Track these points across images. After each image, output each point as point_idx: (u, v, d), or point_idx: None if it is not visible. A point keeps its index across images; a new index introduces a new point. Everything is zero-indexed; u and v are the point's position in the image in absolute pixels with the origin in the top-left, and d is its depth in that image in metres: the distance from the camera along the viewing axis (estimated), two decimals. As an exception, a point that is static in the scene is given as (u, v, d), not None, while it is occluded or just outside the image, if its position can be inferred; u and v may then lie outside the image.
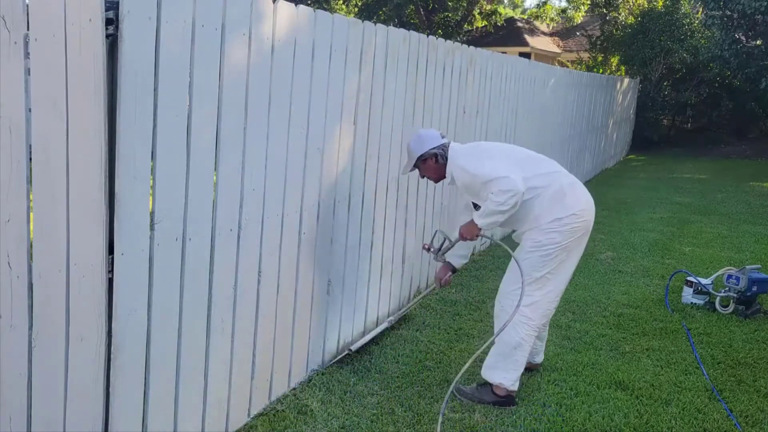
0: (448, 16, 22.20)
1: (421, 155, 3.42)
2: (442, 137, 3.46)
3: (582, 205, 3.31)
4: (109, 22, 2.10)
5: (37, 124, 2.19)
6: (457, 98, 5.18)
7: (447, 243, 3.57)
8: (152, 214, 2.37)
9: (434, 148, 3.40)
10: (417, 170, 3.55)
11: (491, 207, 3.12)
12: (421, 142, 3.43)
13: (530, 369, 3.63)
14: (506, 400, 3.28)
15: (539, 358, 3.67)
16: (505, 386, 3.26)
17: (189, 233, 2.54)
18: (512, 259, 3.28)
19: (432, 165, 3.42)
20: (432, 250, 3.63)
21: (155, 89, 2.29)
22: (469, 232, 3.33)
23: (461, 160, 3.32)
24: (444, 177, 3.44)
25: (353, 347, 3.75)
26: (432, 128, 3.85)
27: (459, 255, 3.64)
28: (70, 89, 2.14)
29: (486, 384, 3.35)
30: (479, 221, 3.22)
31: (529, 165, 3.33)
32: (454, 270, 3.66)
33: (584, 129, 10.79)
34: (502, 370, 3.27)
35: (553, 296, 3.31)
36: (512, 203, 3.09)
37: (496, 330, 3.33)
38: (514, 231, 3.48)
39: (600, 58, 20.79)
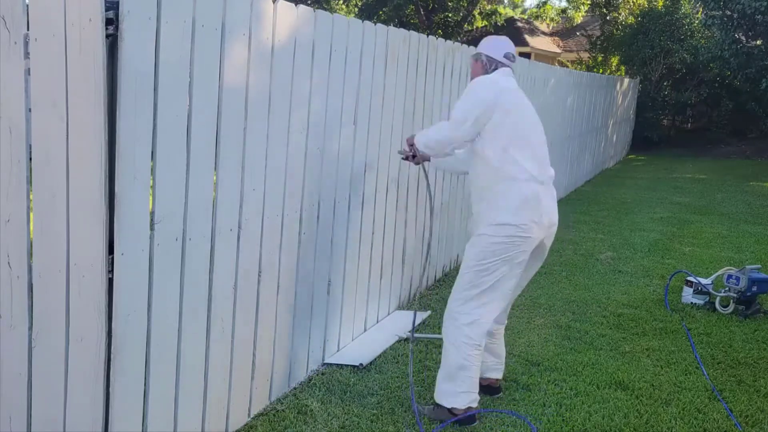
0: (448, 16, 22.20)
1: (477, 53, 3.34)
2: (506, 57, 3.28)
3: (537, 219, 3.03)
4: (109, 22, 2.09)
5: (37, 125, 2.19)
6: (457, 98, 5.17)
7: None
8: (152, 214, 2.37)
9: (486, 55, 3.28)
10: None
11: (424, 132, 3.34)
12: (486, 44, 3.35)
13: (491, 387, 3.37)
14: (466, 419, 3.10)
15: (497, 374, 3.41)
16: (459, 409, 3.09)
17: (189, 233, 2.54)
18: (463, 264, 3.16)
19: (477, 68, 3.32)
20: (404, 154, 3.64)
21: (155, 89, 2.29)
22: (407, 140, 3.49)
23: (472, 83, 3.20)
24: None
25: (364, 361, 3.66)
26: (509, 44, 3.41)
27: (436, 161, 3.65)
28: (70, 89, 2.14)
29: (440, 405, 3.16)
30: (417, 135, 3.38)
31: (527, 148, 3.10)
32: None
33: (584, 129, 10.79)
34: (451, 395, 3.10)
35: (494, 313, 3.12)
36: (435, 141, 3.22)
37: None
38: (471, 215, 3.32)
39: (600, 58, 20.80)
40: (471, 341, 3.06)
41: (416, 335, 4.10)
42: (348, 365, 3.65)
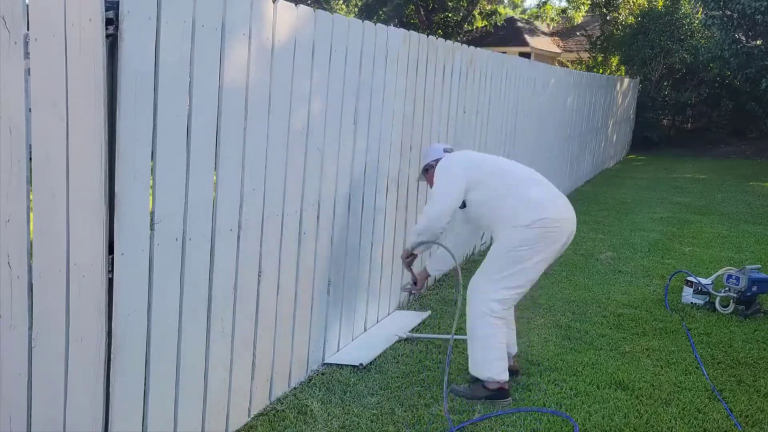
0: (448, 16, 22.21)
1: (424, 166, 3.80)
2: (446, 150, 3.72)
3: (561, 213, 3.34)
4: (109, 22, 2.09)
5: (37, 124, 2.19)
6: (457, 98, 5.18)
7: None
8: (152, 214, 2.37)
9: (434, 160, 3.68)
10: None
11: (412, 228, 3.58)
12: (425, 155, 3.82)
13: (511, 370, 3.47)
14: (499, 393, 3.31)
15: (513, 350, 3.62)
16: (494, 378, 3.30)
17: (189, 233, 2.54)
18: (488, 256, 3.43)
19: (431, 175, 3.63)
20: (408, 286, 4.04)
21: (155, 89, 2.29)
22: (402, 256, 3.81)
23: (438, 168, 3.54)
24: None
25: (364, 361, 3.67)
26: (441, 143, 4.21)
27: (435, 268, 3.95)
28: (70, 89, 2.14)
29: (477, 380, 3.38)
30: (408, 239, 3.61)
31: (507, 173, 3.50)
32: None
33: (584, 129, 10.79)
34: (485, 363, 3.33)
35: (520, 294, 3.39)
36: (424, 226, 3.43)
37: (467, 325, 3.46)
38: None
39: (600, 58, 20.80)
40: (495, 314, 3.31)
41: (415, 335, 4.11)
42: (348, 365, 3.65)
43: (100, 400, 2.31)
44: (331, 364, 3.68)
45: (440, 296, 4.92)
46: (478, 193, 3.41)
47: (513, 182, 3.41)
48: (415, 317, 4.43)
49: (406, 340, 4.05)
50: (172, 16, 2.31)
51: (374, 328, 4.24)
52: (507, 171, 3.52)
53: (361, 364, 3.63)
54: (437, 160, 3.61)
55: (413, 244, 3.57)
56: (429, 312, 4.57)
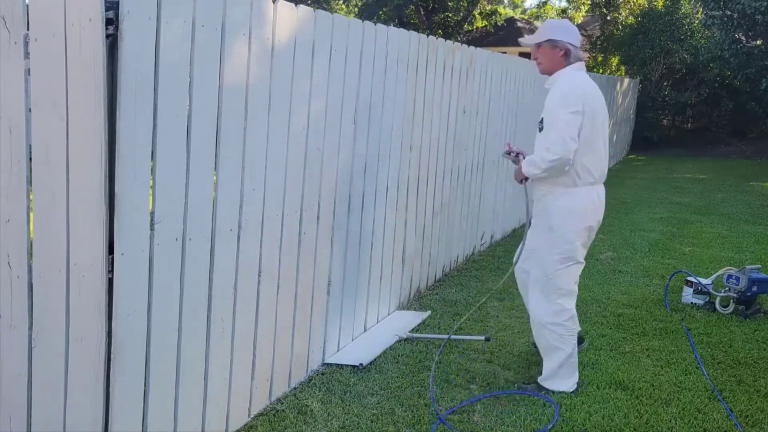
0: (448, 16, 22.20)
1: (552, 39, 3.30)
2: (578, 48, 3.36)
3: (593, 218, 3.40)
4: (109, 22, 2.09)
5: (37, 124, 2.19)
6: (457, 98, 5.18)
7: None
8: (152, 214, 2.37)
9: (570, 43, 3.29)
10: (531, 51, 3.43)
11: (536, 160, 3.26)
12: (561, 29, 3.33)
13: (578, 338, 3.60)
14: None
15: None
16: (567, 391, 3.41)
17: (189, 233, 2.54)
18: (538, 270, 3.40)
19: (557, 56, 3.31)
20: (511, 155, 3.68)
21: (155, 89, 2.29)
22: (516, 176, 3.51)
23: (565, 83, 3.24)
24: (550, 74, 3.37)
25: (364, 361, 3.68)
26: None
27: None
28: (70, 89, 2.14)
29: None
30: (524, 168, 3.36)
31: (593, 153, 3.29)
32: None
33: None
34: (560, 379, 3.42)
35: (574, 298, 3.46)
36: (551, 166, 3.19)
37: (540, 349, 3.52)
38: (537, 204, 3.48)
39: (600, 58, 20.79)
40: (569, 331, 3.38)
41: (415, 335, 4.11)
42: (348, 365, 3.65)
43: (100, 400, 2.31)
44: (331, 364, 3.68)
45: (440, 296, 4.92)
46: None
47: (589, 163, 3.25)
48: (415, 317, 4.44)
49: (406, 340, 4.05)
50: (172, 16, 2.31)
51: (374, 328, 4.24)
52: (595, 146, 3.28)
53: (361, 364, 3.63)
54: (574, 48, 3.28)
55: (534, 174, 3.31)
56: (429, 312, 4.57)
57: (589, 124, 3.21)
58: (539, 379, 3.46)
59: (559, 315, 3.35)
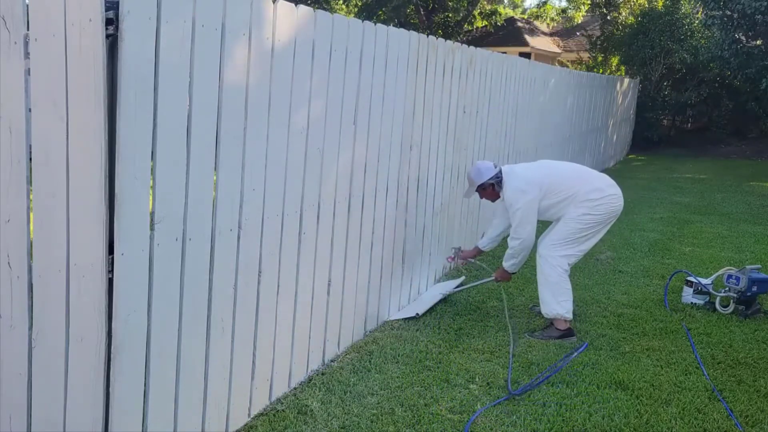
0: (448, 16, 22.20)
1: (481, 184, 4.34)
2: (495, 166, 4.34)
3: (616, 195, 4.25)
4: (109, 22, 2.10)
5: (37, 124, 2.19)
6: (457, 98, 5.18)
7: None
8: (152, 214, 2.37)
9: (491, 178, 4.30)
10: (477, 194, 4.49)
11: (508, 252, 4.34)
12: (480, 174, 4.33)
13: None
14: (568, 332, 4.18)
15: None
16: (564, 316, 4.15)
17: (189, 233, 2.54)
18: (556, 222, 4.28)
19: (490, 191, 4.37)
20: (456, 256, 4.95)
21: (155, 89, 2.29)
22: (501, 276, 4.52)
23: (510, 187, 4.24)
24: (499, 197, 4.38)
25: (419, 311, 4.44)
26: (486, 160, 4.90)
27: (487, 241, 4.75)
28: (70, 89, 2.14)
29: (549, 325, 4.25)
30: (505, 264, 4.41)
31: (574, 177, 4.32)
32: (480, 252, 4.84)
33: (584, 129, 10.80)
34: (555, 304, 4.17)
35: (582, 254, 4.29)
36: (519, 249, 4.24)
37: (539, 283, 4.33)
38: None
39: (600, 58, 20.80)
40: (563, 266, 4.20)
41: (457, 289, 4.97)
42: (344, 361, 3.65)
43: (100, 400, 2.31)
44: (331, 364, 3.68)
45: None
46: (548, 200, 4.19)
47: (577, 182, 4.23)
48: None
49: (399, 332, 4.05)
50: (172, 16, 2.31)
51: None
52: (573, 175, 4.33)
53: (417, 314, 4.19)
54: (497, 178, 4.28)
55: (513, 264, 4.36)
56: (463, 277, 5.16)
57: (547, 182, 4.24)
58: (542, 310, 4.26)
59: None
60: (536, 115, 7.73)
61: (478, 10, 22.74)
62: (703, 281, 4.93)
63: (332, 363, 3.70)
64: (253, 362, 3.06)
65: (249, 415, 3.08)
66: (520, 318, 4.56)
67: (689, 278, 5.00)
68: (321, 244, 3.50)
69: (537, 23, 26.15)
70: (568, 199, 4.17)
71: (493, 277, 4.60)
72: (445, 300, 4.86)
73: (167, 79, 2.32)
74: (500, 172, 4.30)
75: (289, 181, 3.12)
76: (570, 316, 4.18)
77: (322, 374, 3.56)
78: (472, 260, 5.07)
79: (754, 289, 4.65)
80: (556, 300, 4.16)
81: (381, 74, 3.87)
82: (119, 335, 2.29)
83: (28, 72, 2.18)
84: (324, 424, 3.05)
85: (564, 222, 4.20)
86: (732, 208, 9.14)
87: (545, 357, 3.89)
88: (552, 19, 25.58)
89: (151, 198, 2.35)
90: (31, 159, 2.21)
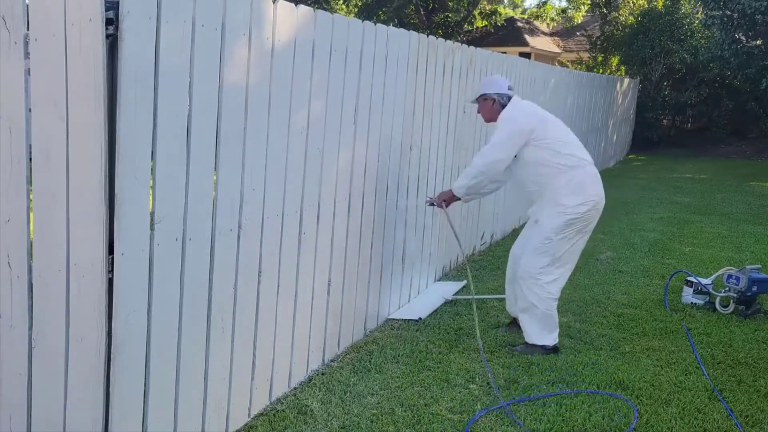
0: (448, 16, 22.21)
1: (483, 94, 4.00)
2: (509, 88, 3.99)
3: (598, 196, 3.89)
4: (109, 22, 2.10)
5: (37, 124, 2.19)
6: (457, 98, 5.18)
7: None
8: (152, 214, 2.37)
9: (496, 93, 3.95)
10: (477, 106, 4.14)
11: (466, 170, 3.95)
12: (490, 84, 4.02)
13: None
14: (553, 349, 3.91)
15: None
16: (549, 345, 3.89)
17: (189, 233, 2.54)
18: (535, 238, 3.85)
19: (489, 108, 3.99)
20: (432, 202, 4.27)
21: (155, 89, 2.29)
22: (445, 196, 4.08)
23: (507, 111, 3.87)
24: (494, 120, 3.97)
25: (423, 315, 4.37)
26: (505, 78, 4.28)
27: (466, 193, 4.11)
28: (70, 89, 2.14)
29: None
30: (455, 184, 4.01)
31: (567, 143, 3.92)
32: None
33: (584, 129, 10.79)
34: (542, 336, 3.88)
35: (569, 272, 3.94)
36: (479, 171, 3.85)
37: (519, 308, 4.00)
38: (531, 207, 4.01)
39: (600, 58, 20.79)
40: (552, 296, 3.85)
41: (454, 297, 4.81)
42: (344, 360, 3.65)
43: (100, 400, 2.31)
44: (331, 364, 3.68)
45: (440, 296, 4.92)
46: (533, 152, 3.79)
47: (566, 156, 3.84)
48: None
49: (399, 332, 4.05)
50: (172, 16, 2.31)
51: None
52: (567, 140, 3.92)
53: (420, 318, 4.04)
54: (500, 96, 3.92)
55: (462, 186, 3.93)
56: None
57: (541, 126, 3.84)
58: (526, 339, 3.93)
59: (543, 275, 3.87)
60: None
61: (478, 10, 22.74)
62: (703, 281, 4.93)
63: (332, 363, 3.70)
64: (253, 362, 3.06)
65: (249, 415, 3.08)
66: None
67: (689, 278, 5.00)
68: (321, 244, 3.50)
69: (537, 23, 26.15)
70: (545, 178, 3.80)
71: (433, 203, 4.17)
72: (444, 300, 4.85)
73: (167, 78, 2.32)
74: (510, 97, 3.96)
75: (289, 181, 3.12)
76: (557, 340, 3.93)
77: (322, 374, 3.56)
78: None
79: (754, 289, 4.65)
80: (542, 332, 3.89)
81: (381, 74, 3.87)
82: (119, 335, 2.29)
83: (28, 72, 2.18)
84: (324, 424, 3.05)
85: (541, 229, 3.85)
86: (732, 208, 9.14)
87: (545, 357, 3.89)
88: (552, 19, 25.59)
89: (151, 198, 2.35)
90: (31, 159, 2.22)
